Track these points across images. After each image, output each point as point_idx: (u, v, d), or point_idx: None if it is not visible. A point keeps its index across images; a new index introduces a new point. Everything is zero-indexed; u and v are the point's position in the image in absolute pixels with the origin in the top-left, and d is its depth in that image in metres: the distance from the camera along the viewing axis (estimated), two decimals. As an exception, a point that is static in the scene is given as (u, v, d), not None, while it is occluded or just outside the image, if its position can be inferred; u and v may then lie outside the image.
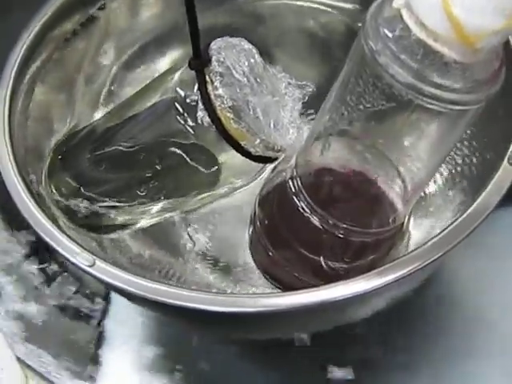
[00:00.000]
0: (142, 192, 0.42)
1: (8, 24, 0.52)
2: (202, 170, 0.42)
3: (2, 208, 0.51)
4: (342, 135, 0.34)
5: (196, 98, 0.39)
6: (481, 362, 0.43)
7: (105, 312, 0.46)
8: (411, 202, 0.36)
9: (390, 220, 0.36)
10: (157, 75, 0.44)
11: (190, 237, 0.46)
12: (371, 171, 0.36)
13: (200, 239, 0.45)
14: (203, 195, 0.44)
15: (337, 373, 0.43)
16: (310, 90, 0.44)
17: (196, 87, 0.38)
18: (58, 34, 0.44)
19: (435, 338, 0.44)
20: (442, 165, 0.43)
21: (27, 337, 0.45)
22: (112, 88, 0.49)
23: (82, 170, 0.43)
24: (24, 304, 0.47)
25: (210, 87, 0.38)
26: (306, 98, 0.43)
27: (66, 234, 0.35)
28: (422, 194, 0.43)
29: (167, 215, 0.45)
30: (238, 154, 0.40)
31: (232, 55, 0.39)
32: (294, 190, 0.37)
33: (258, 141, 0.39)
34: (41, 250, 0.49)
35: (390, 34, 0.27)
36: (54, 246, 0.35)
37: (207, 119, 0.38)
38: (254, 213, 0.42)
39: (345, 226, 0.35)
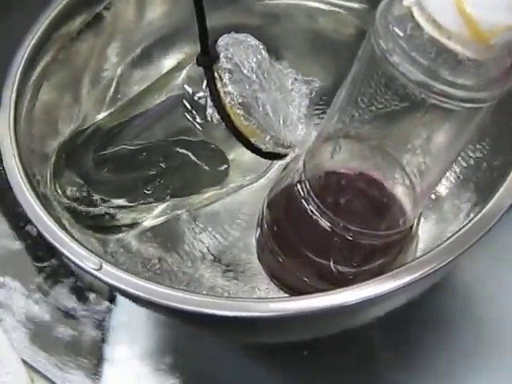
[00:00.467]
0: (148, 191, 0.42)
1: (8, 24, 0.52)
2: (210, 167, 0.41)
3: (6, 209, 0.50)
4: (351, 137, 0.34)
5: (204, 94, 0.38)
6: (491, 363, 0.43)
7: (109, 313, 0.46)
8: (421, 204, 0.36)
9: (400, 222, 0.36)
10: (164, 72, 0.43)
11: (197, 237, 0.45)
12: (380, 173, 0.35)
13: (206, 239, 0.45)
14: (210, 193, 0.43)
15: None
16: (317, 85, 0.43)
17: (204, 84, 0.38)
18: (63, 33, 0.43)
19: (443, 339, 0.44)
20: (454, 167, 0.43)
21: (32, 339, 0.45)
22: (119, 87, 0.48)
23: (87, 169, 0.42)
24: (28, 306, 0.46)
25: (219, 84, 0.37)
26: (313, 93, 0.43)
27: (72, 236, 0.35)
28: (433, 196, 0.42)
29: (173, 214, 0.44)
30: (247, 152, 0.39)
31: (240, 51, 0.38)
32: (302, 194, 0.36)
33: (268, 137, 0.38)
34: (43, 249, 0.48)
35: (400, 33, 0.26)
36: (61, 249, 0.34)
37: (217, 116, 0.38)
38: (262, 215, 0.42)
39: (354, 228, 0.35)
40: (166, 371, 0.44)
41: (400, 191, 0.35)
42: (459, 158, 0.42)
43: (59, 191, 0.42)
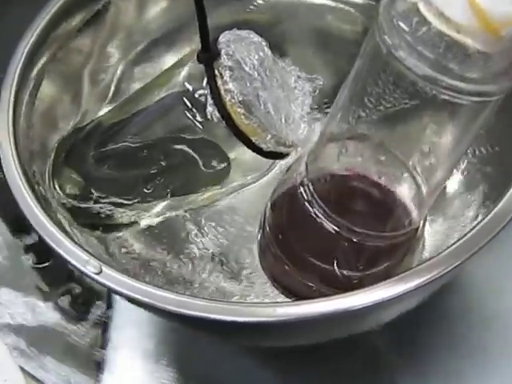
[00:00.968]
0: (148, 189, 0.41)
1: (6, 21, 0.52)
2: (211, 166, 0.41)
3: (3, 210, 0.49)
4: (357, 138, 0.33)
5: (205, 92, 0.37)
6: (500, 362, 0.42)
7: (109, 315, 0.45)
8: (427, 205, 0.35)
9: (406, 223, 0.35)
10: (165, 69, 0.43)
11: (198, 238, 0.44)
12: (385, 174, 0.35)
13: (207, 240, 0.44)
14: (210, 193, 0.43)
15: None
16: (321, 83, 0.42)
17: (205, 81, 0.37)
18: (62, 31, 0.42)
19: (451, 340, 0.43)
20: (461, 166, 0.42)
21: (29, 344, 0.44)
22: (120, 85, 0.47)
23: (86, 166, 0.42)
24: (26, 309, 0.45)
25: (219, 81, 0.36)
26: (317, 91, 0.42)
27: (71, 238, 0.34)
28: (440, 197, 0.41)
29: (173, 214, 0.43)
30: (248, 151, 0.38)
31: (241, 48, 0.37)
32: (305, 197, 0.36)
33: (270, 136, 0.38)
34: (40, 251, 0.48)
35: (406, 28, 0.26)
36: (61, 252, 0.33)
37: (217, 114, 0.37)
38: (264, 218, 0.41)
39: (360, 230, 0.34)
40: (167, 374, 0.43)
41: (406, 192, 0.35)
42: (468, 157, 0.42)
43: (58, 189, 0.41)
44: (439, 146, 0.32)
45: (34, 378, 0.42)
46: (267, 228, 0.40)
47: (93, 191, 0.41)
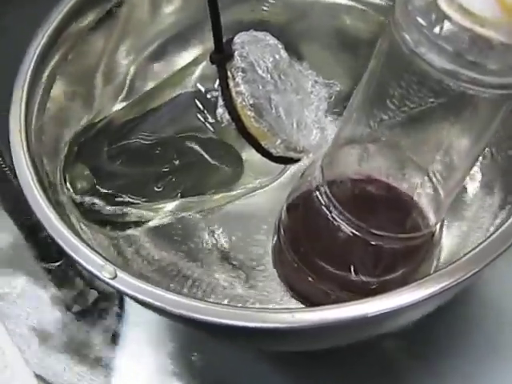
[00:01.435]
0: (158, 188, 0.41)
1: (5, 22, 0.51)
2: (224, 167, 0.40)
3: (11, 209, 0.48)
4: (375, 142, 0.33)
5: (217, 93, 0.37)
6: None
7: (119, 314, 0.44)
8: (444, 206, 0.35)
9: (423, 225, 0.35)
10: (178, 68, 0.42)
11: (209, 239, 0.43)
12: (402, 177, 0.34)
13: (219, 242, 0.43)
14: (221, 195, 0.42)
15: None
16: (338, 89, 0.42)
17: (217, 83, 0.37)
18: (74, 31, 0.42)
19: (466, 343, 0.42)
20: (480, 172, 0.42)
21: (40, 344, 0.43)
22: (134, 84, 0.47)
23: (98, 162, 0.41)
24: (35, 311, 0.45)
25: (231, 83, 0.36)
26: (333, 97, 0.41)
27: (87, 243, 0.34)
28: (457, 201, 0.41)
29: (183, 214, 0.43)
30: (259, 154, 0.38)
31: (256, 50, 0.37)
32: (322, 201, 0.35)
33: (279, 141, 0.37)
34: (51, 251, 0.47)
35: (424, 23, 0.25)
36: (76, 257, 0.33)
37: (227, 117, 0.36)
38: (279, 222, 0.40)
39: (377, 232, 0.34)
40: (179, 378, 0.42)
41: (423, 194, 0.34)
42: (486, 161, 0.41)
43: (69, 185, 0.41)
44: (458, 146, 0.31)
45: (43, 380, 0.42)
46: (282, 232, 0.39)
47: (103, 188, 0.40)
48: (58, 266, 0.46)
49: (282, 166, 0.40)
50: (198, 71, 0.39)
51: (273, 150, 0.37)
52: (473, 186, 0.42)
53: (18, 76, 0.39)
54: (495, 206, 0.39)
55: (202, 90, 0.38)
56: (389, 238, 0.34)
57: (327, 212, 0.35)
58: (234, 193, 0.42)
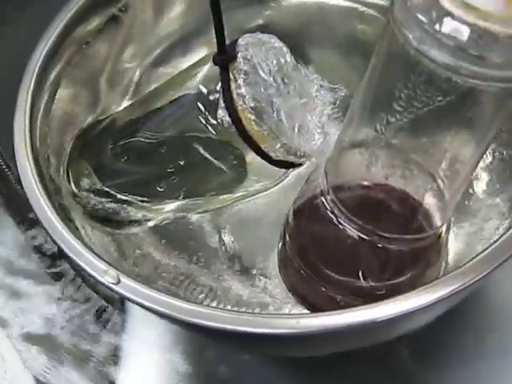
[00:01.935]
0: (160, 188, 0.40)
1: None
2: (228, 169, 0.40)
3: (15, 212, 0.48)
4: (379, 145, 0.32)
5: (219, 95, 0.36)
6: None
7: (122, 324, 0.44)
8: (449, 207, 0.34)
9: (429, 226, 0.34)
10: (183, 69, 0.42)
11: (210, 241, 0.43)
12: (406, 179, 0.34)
13: (220, 244, 0.43)
14: (224, 196, 0.42)
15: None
16: (343, 94, 0.41)
17: (219, 84, 0.36)
18: (78, 36, 0.42)
19: (478, 344, 0.41)
20: (487, 170, 0.41)
21: (43, 353, 0.43)
22: (139, 88, 0.47)
23: (102, 160, 0.41)
24: (38, 320, 0.44)
25: (232, 85, 0.35)
26: (337, 102, 0.41)
27: (90, 248, 0.34)
28: (464, 202, 0.41)
29: (184, 215, 0.43)
30: (261, 157, 0.37)
31: (260, 53, 0.36)
32: (327, 206, 0.35)
33: (279, 145, 0.36)
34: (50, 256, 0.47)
35: (425, 19, 0.25)
36: (80, 262, 0.33)
37: (227, 119, 0.36)
38: (285, 228, 0.40)
39: (383, 233, 0.33)
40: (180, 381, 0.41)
41: (428, 195, 0.34)
42: (494, 162, 0.41)
43: (72, 183, 0.41)
44: (463, 147, 0.31)
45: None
46: (287, 238, 0.39)
47: (105, 186, 0.40)
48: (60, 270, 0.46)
49: (284, 170, 0.40)
50: (201, 73, 0.38)
51: (272, 154, 0.37)
52: (480, 187, 0.41)
53: (22, 80, 0.39)
54: (503, 206, 0.38)
55: (205, 91, 0.37)
56: (396, 239, 0.33)
57: (333, 217, 0.34)
58: (236, 195, 0.41)
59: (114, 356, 0.43)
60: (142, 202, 0.41)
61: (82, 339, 0.43)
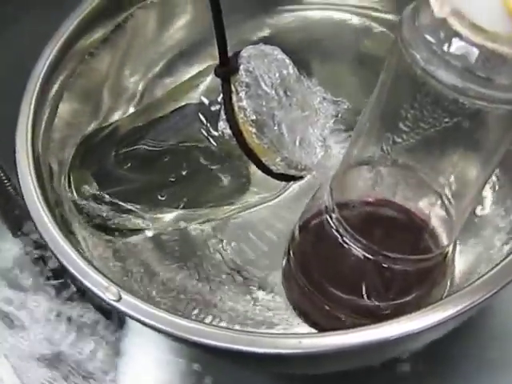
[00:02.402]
0: (162, 196, 0.40)
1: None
2: (230, 180, 0.39)
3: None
4: (386, 164, 0.32)
5: (220, 107, 0.36)
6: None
7: (120, 335, 0.43)
8: (456, 228, 0.34)
9: (434, 246, 0.34)
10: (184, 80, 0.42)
11: (211, 253, 0.42)
12: (413, 199, 0.33)
13: (221, 257, 0.42)
14: (225, 207, 0.41)
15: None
16: (345, 107, 0.41)
17: (220, 96, 0.36)
18: (81, 47, 0.42)
19: (481, 361, 0.40)
20: (493, 189, 0.41)
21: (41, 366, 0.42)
22: (142, 100, 0.47)
23: (104, 167, 0.41)
24: (33, 330, 0.43)
25: (234, 97, 0.35)
26: (340, 115, 0.40)
27: (92, 264, 0.33)
28: (470, 221, 0.39)
29: (184, 225, 0.42)
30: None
31: (262, 65, 0.36)
32: (332, 224, 0.34)
33: (279, 159, 0.36)
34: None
35: (433, 40, 0.25)
36: (81, 279, 0.32)
37: (228, 131, 0.36)
38: (289, 245, 0.39)
39: (389, 254, 0.33)
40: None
41: (434, 216, 0.33)
42: (500, 180, 0.40)
43: (74, 189, 0.41)
44: (470, 167, 0.30)
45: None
46: (291, 254, 0.38)
47: (106, 193, 0.40)
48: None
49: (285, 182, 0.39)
50: (203, 83, 0.38)
51: (273, 167, 0.36)
52: (486, 206, 0.41)
53: (25, 92, 0.39)
54: (508, 225, 0.38)
55: (206, 102, 0.37)
56: (401, 259, 0.33)
57: (338, 235, 0.34)
58: (237, 206, 0.41)
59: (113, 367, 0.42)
60: (143, 210, 0.40)
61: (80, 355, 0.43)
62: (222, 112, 0.35)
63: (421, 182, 0.32)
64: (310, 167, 0.38)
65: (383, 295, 0.34)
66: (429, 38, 0.25)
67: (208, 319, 0.39)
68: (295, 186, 0.41)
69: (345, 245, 0.33)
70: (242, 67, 0.35)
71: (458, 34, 0.24)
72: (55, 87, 0.40)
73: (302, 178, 0.39)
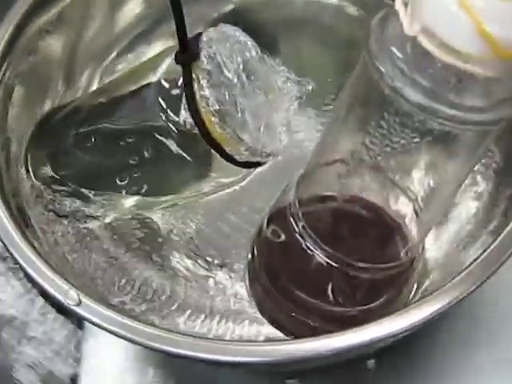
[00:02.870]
0: (121, 181, 0.38)
1: None
2: (193, 163, 0.37)
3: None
4: (356, 163, 0.31)
5: (181, 91, 0.34)
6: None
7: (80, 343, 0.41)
8: (424, 234, 0.34)
9: (403, 254, 0.33)
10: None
11: (172, 239, 0.41)
12: (382, 202, 0.33)
13: (182, 241, 0.41)
14: (188, 192, 0.40)
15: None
16: (309, 88, 0.40)
17: (180, 82, 0.34)
18: (31, 33, 0.40)
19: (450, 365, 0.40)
20: (471, 193, 0.40)
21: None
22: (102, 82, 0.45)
23: (62, 148, 0.39)
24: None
25: (195, 85, 0.33)
26: (304, 96, 0.39)
27: (52, 267, 0.32)
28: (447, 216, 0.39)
29: (144, 211, 0.41)
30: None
31: (224, 50, 0.34)
32: (296, 228, 0.33)
33: (243, 148, 0.35)
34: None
35: (400, 55, 0.24)
36: (40, 282, 0.31)
37: (190, 120, 0.34)
38: (254, 239, 0.38)
39: (356, 263, 0.32)
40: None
41: (404, 219, 0.33)
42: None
43: (31, 172, 0.39)
44: (440, 176, 0.30)
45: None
46: (256, 252, 0.37)
47: (64, 176, 0.39)
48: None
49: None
50: (163, 66, 0.36)
51: (237, 157, 0.35)
52: (462, 201, 0.39)
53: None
54: (486, 223, 0.37)
55: (166, 86, 0.35)
56: (368, 269, 0.32)
57: (301, 240, 0.33)
58: (201, 191, 0.40)
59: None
60: (101, 194, 0.39)
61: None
62: (184, 99, 0.34)
63: (391, 183, 0.32)
64: (276, 152, 0.37)
65: (351, 301, 0.34)
66: (396, 52, 0.24)
67: (172, 310, 0.38)
68: (260, 170, 0.39)
69: (308, 251, 0.33)
70: (203, 53, 0.33)
71: (427, 52, 0.23)
72: (7, 74, 0.39)
73: (265, 163, 0.38)
